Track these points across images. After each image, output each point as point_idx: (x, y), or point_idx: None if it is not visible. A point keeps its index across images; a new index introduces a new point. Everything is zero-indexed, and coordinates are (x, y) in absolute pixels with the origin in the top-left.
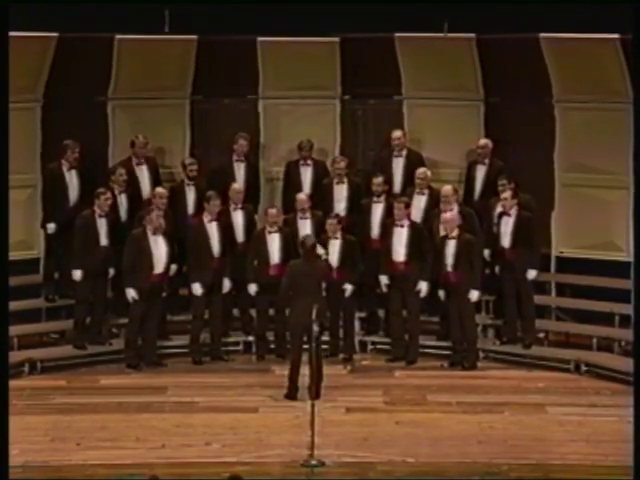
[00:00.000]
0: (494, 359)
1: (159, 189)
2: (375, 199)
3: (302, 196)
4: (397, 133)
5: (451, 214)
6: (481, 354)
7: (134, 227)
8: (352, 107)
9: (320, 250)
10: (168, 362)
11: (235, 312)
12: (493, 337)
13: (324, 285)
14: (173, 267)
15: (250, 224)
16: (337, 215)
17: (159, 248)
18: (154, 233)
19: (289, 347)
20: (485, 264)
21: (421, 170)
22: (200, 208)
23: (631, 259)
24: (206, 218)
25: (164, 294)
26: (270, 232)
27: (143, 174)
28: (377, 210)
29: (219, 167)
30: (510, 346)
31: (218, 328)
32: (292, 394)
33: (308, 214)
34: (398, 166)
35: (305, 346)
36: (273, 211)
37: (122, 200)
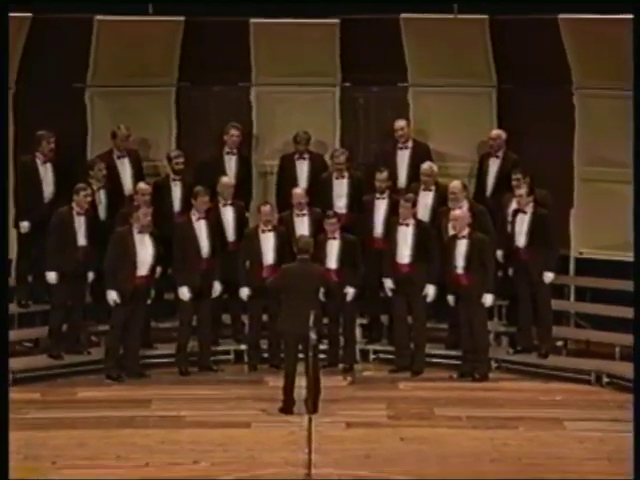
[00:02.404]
0: (507, 369)
1: (141, 184)
2: (378, 195)
3: (298, 191)
4: (400, 123)
5: (461, 211)
6: (493, 364)
7: (115, 226)
8: (353, 95)
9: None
10: (152, 373)
11: (225, 318)
12: (506, 345)
13: (322, 290)
14: (158, 269)
15: (241, 221)
16: (336, 213)
17: (145, 248)
18: (140, 232)
19: (284, 356)
20: (498, 266)
21: (426, 165)
22: (187, 205)
23: None
24: (194, 216)
25: (149, 301)
26: (264, 231)
27: (125, 168)
28: (380, 207)
29: (208, 160)
30: (525, 355)
31: (207, 336)
32: (287, 408)
33: (305, 210)
34: (403, 159)
35: (301, 355)
36: (267, 208)
37: (101, 196)
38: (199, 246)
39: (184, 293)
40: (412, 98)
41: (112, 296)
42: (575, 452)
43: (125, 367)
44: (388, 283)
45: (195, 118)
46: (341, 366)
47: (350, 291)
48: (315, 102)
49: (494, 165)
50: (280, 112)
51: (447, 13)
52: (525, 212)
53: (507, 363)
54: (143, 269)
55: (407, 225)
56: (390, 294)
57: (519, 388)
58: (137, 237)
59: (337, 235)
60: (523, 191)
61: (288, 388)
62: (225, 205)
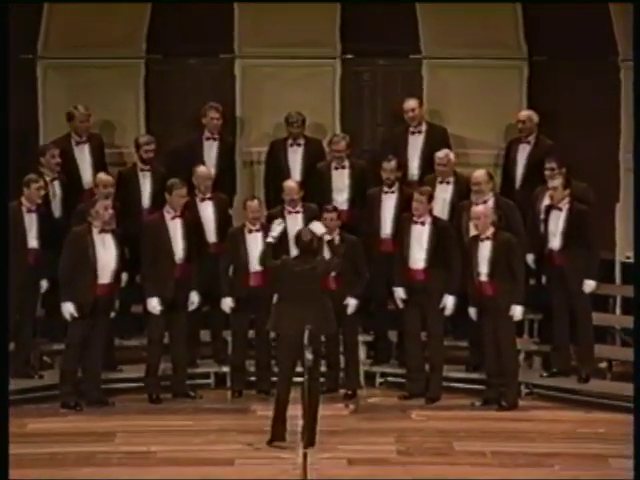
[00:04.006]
0: (540, 396)
1: (101, 175)
2: (386, 189)
3: (291, 184)
4: (410, 103)
5: (484, 207)
6: (523, 389)
7: (72, 224)
8: (356, 69)
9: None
10: (116, 400)
11: (205, 335)
12: (539, 367)
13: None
14: (124, 276)
15: (223, 219)
16: (336, 208)
17: (107, 251)
18: (101, 231)
19: (275, 380)
20: (529, 272)
21: (442, 153)
22: (158, 200)
23: None
24: (168, 214)
25: (113, 313)
26: (250, 230)
27: (84, 156)
28: (388, 203)
29: (184, 147)
30: (561, 379)
31: (182, 356)
32: (277, 440)
33: (299, 207)
34: (415, 146)
35: (298, 379)
36: (255, 204)
37: (55, 189)
38: (173, 249)
39: (154, 305)
40: (426, 72)
41: (68, 309)
42: None
43: (84, 393)
44: (399, 293)
45: (168, 97)
46: (342, 392)
47: (352, 302)
48: (311, 78)
49: (524, 152)
50: (269, 89)
51: None
52: (560, 209)
53: (540, 388)
54: (105, 276)
55: (422, 224)
56: (401, 305)
57: (554, 418)
58: (97, 238)
59: (336, 235)
60: (557, 183)
61: (278, 417)
62: (203, 200)
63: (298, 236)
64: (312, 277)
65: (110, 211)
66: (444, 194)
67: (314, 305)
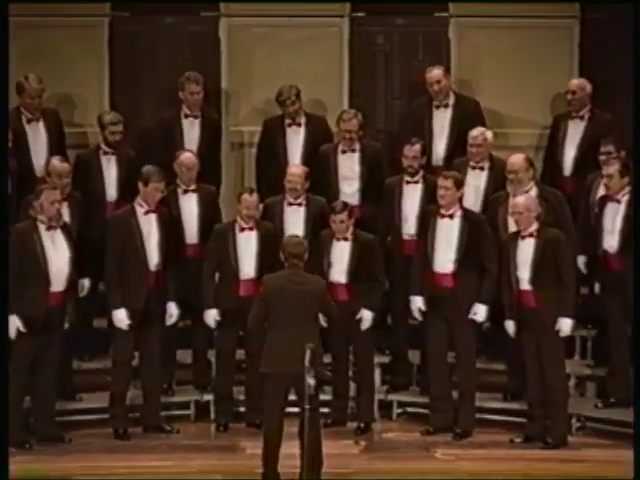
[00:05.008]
0: (595, 431)
1: (55, 161)
2: (408, 178)
3: (296, 169)
4: (434, 74)
5: (525, 199)
6: (574, 423)
7: (20, 219)
8: (368, 30)
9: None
10: (74, 436)
11: (184, 355)
12: (593, 396)
13: (321, 315)
14: (85, 284)
15: (209, 215)
16: (346, 205)
17: (58, 252)
18: (49, 227)
19: (265, 408)
20: (580, 278)
21: (477, 131)
22: (126, 191)
23: None
24: (140, 208)
25: (67, 325)
26: (243, 229)
27: (38, 136)
28: (411, 196)
29: (157, 126)
30: (621, 410)
31: (155, 381)
32: None
33: (302, 199)
34: (441, 123)
35: (293, 409)
36: (253, 199)
37: None
38: (146, 250)
39: (121, 318)
40: (455, 34)
41: (14, 323)
42: None
43: (34, 428)
44: (417, 302)
45: (137, 64)
46: (352, 425)
47: (367, 315)
48: (313, 41)
49: (575, 130)
50: (262, 55)
51: None
52: (618, 201)
53: (595, 422)
54: (58, 282)
55: (451, 217)
56: (419, 319)
57: (611, 458)
58: (45, 235)
59: (349, 235)
60: (613, 170)
61: (269, 456)
62: (186, 192)
63: (286, 242)
64: (304, 297)
65: (57, 205)
66: (477, 182)
67: (306, 330)
